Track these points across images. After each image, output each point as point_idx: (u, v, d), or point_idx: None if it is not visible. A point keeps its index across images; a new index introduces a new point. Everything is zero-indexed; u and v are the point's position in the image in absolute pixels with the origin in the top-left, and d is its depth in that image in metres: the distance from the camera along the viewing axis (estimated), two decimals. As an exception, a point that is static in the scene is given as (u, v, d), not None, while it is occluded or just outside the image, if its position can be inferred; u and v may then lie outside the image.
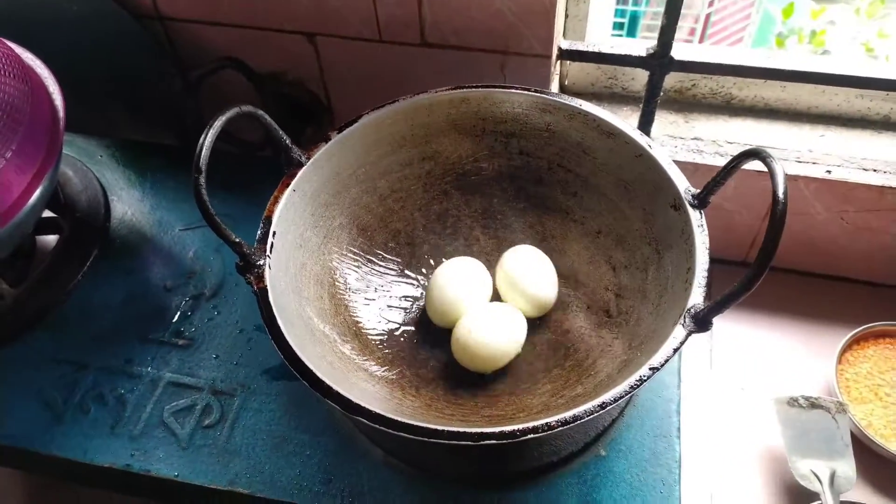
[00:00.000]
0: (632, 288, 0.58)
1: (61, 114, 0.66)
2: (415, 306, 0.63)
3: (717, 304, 0.46)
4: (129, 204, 0.77)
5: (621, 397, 0.44)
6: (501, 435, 0.43)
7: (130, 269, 0.71)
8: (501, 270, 0.62)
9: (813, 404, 0.68)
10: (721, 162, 0.77)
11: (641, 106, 0.76)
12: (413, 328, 0.62)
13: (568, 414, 0.44)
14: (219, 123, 0.51)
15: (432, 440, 0.44)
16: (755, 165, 0.48)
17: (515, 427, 0.43)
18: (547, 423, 0.43)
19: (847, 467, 0.66)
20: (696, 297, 0.49)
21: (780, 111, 0.82)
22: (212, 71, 0.76)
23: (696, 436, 0.67)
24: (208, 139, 0.50)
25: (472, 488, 0.55)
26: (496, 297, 0.62)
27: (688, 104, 0.84)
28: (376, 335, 0.60)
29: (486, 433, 0.43)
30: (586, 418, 0.44)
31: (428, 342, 0.61)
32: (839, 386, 0.73)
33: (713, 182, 0.53)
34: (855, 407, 0.72)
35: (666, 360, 0.46)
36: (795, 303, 0.83)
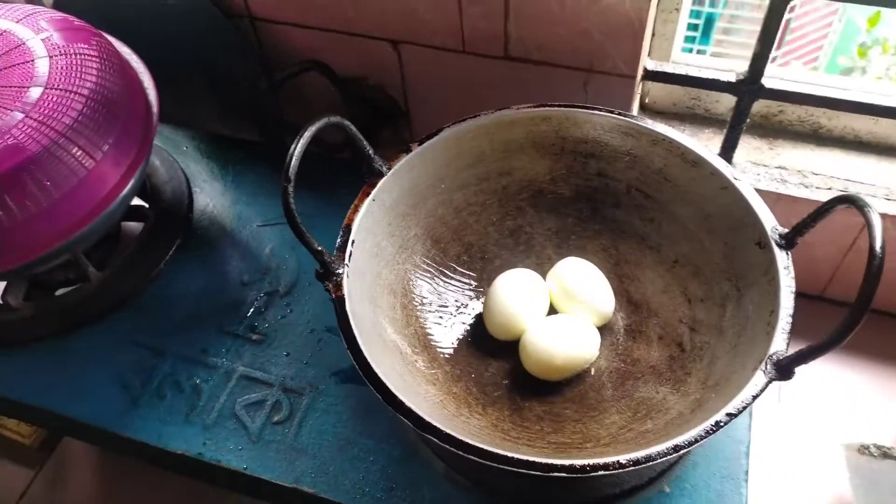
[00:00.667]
0: (708, 323, 0.57)
1: (155, 109, 0.68)
2: (477, 320, 0.64)
3: (803, 354, 0.45)
4: (211, 196, 0.79)
5: (696, 442, 0.44)
6: (571, 469, 0.43)
7: (210, 261, 0.74)
8: (556, 279, 0.62)
9: (885, 454, 0.66)
10: (805, 194, 0.75)
11: (725, 131, 0.75)
12: (477, 344, 0.62)
13: (641, 454, 0.43)
14: (308, 133, 0.52)
15: (500, 466, 0.44)
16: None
17: (586, 462, 0.43)
18: (618, 461, 0.43)
19: None
20: (780, 344, 0.47)
21: (870, 144, 0.79)
22: (297, 73, 0.78)
23: (762, 477, 0.66)
24: (298, 148, 0.51)
25: (532, 510, 0.55)
26: (551, 311, 0.63)
27: (773, 130, 0.82)
28: (444, 349, 0.61)
29: (556, 465, 0.43)
30: (658, 460, 0.43)
31: (491, 359, 0.61)
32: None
33: (803, 223, 0.51)
34: (929, 458, 0.69)
35: (744, 408, 0.45)
36: (874, 344, 0.80)
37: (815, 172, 0.77)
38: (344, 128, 0.57)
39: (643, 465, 0.43)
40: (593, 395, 0.58)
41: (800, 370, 0.45)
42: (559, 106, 0.63)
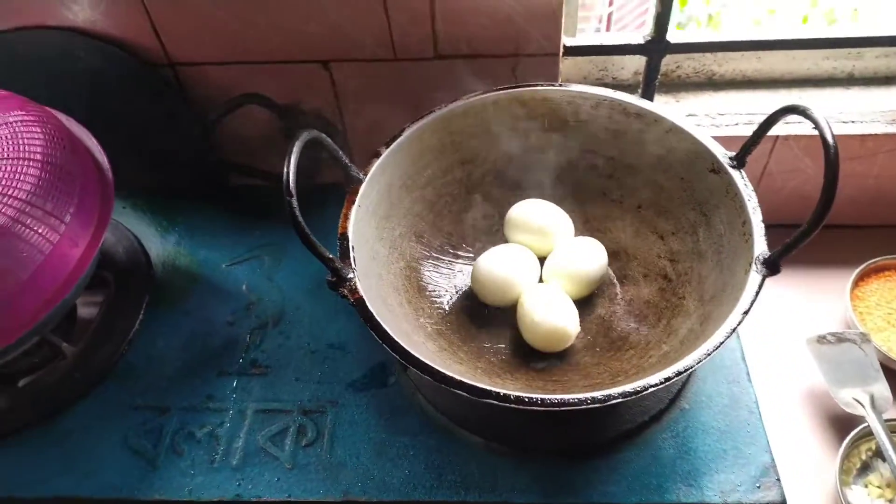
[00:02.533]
0: (684, 251, 0.63)
1: (107, 167, 0.67)
2: (478, 300, 0.67)
3: (788, 246, 0.51)
4: (167, 249, 0.78)
5: (722, 342, 0.49)
6: (625, 394, 0.47)
7: (187, 310, 0.72)
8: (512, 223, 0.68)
9: (840, 339, 0.75)
10: (717, 132, 0.84)
11: (640, 90, 0.82)
12: (482, 319, 0.65)
13: (681, 364, 0.48)
14: (297, 148, 0.53)
15: (559, 409, 0.47)
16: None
17: (635, 385, 0.47)
18: (674, 372, 0.47)
19: (883, 389, 0.72)
20: (762, 246, 0.54)
21: (758, 81, 0.90)
22: (233, 109, 0.78)
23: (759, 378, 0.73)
24: (292, 165, 0.52)
25: (577, 460, 0.58)
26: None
27: (675, 85, 0.91)
28: (456, 332, 0.63)
29: (612, 394, 0.47)
30: (696, 365, 0.48)
31: (501, 330, 0.64)
32: (857, 319, 0.80)
33: (749, 141, 0.59)
34: (875, 336, 0.79)
35: (751, 304, 0.51)
36: (798, 254, 0.90)
37: (721, 113, 0.87)
38: (321, 140, 0.58)
39: (685, 373, 0.47)
40: (602, 339, 0.62)
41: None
42: (505, 88, 0.68)
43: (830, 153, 0.48)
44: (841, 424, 0.73)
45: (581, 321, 0.62)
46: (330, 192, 0.65)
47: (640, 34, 0.78)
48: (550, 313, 0.59)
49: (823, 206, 0.48)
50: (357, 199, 0.61)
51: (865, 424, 0.71)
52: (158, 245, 0.78)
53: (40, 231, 0.58)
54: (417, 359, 0.50)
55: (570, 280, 0.64)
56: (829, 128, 0.49)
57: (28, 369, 0.69)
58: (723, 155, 0.60)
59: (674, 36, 0.77)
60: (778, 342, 0.82)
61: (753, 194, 0.57)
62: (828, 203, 0.48)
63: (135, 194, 0.84)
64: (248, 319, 0.71)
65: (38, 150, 0.59)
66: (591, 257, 0.64)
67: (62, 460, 0.62)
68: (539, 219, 0.66)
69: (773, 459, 0.57)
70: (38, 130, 0.61)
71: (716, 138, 0.63)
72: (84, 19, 0.75)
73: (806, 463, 0.71)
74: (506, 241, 0.69)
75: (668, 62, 0.89)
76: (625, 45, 0.77)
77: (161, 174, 0.86)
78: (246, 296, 0.73)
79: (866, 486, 0.70)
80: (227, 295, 0.73)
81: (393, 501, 0.58)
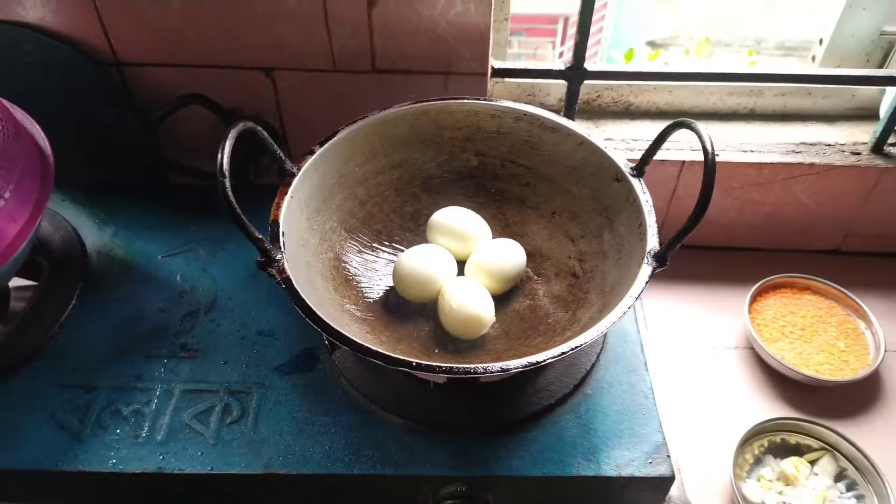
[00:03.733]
0: (591, 252, 0.69)
1: (49, 152, 0.69)
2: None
3: (671, 241, 0.58)
4: (104, 240, 0.80)
5: (619, 319, 0.54)
6: (524, 365, 0.52)
7: (119, 298, 0.74)
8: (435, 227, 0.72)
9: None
10: (630, 155, 0.92)
11: (563, 113, 0.89)
12: (403, 308, 0.69)
13: (576, 341, 0.53)
14: (232, 135, 0.57)
15: (471, 376, 0.52)
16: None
17: (543, 356, 0.52)
18: (569, 347, 0.52)
19: None
20: (653, 243, 0.60)
21: (669, 112, 0.99)
22: (176, 108, 0.81)
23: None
24: (227, 148, 0.56)
25: (488, 436, 0.63)
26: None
27: (595, 112, 0.99)
28: (379, 318, 0.67)
29: (512, 365, 0.52)
30: (590, 340, 0.54)
31: (420, 319, 0.68)
32: (754, 331, 0.87)
33: (647, 152, 0.66)
34: (769, 346, 0.86)
35: (641, 290, 0.57)
36: (703, 273, 0.98)
37: (634, 139, 0.95)
38: (256, 132, 0.62)
39: (580, 346, 0.53)
40: (515, 329, 0.67)
41: (656, 304, 0.58)
42: (434, 100, 0.74)
43: (708, 159, 0.55)
44: (734, 424, 0.79)
45: (498, 314, 0.67)
46: (264, 193, 0.69)
47: (560, 61, 0.85)
48: (468, 302, 0.64)
49: (702, 202, 0.55)
50: (289, 191, 0.65)
51: (757, 423, 0.78)
52: (95, 236, 0.80)
53: (-23, 207, 0.59)
54: (337, 331, 0.54)
55: (489, 276, 0.69)
56: (710, 138, 0.56)
57: (-46, 348, 0.70)
58: (625, 165, 0.67)
59: (591, 64, 0.85)
60: (683, 350, 0.89)
61: (650, 198, 0.64)
62: (706, 199, 0.55)
63: (75, 188, 0.85)
64: (179, 307, 0.73)
65: (-19, 130, 0.62)
66: (509, 256, 0.70)
67: (-17, 433, 0.63)
68: (459, 223, 0.71)
69: (664, 438, 0.62)
70: (-18, 112, 0.63)
71: (630, 160, 0.70)
72: (35, 16, 0.78)
73: (703, 460, 0.77)
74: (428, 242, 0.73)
75: (590, 91, 0.97)
76: (547, 70, 0.85)
77: (103, 170, 0.88)
78: (180, 285, 0.75)
79: (759, 480, 0.77)
80: (160, 284, 0.75)
81: (312, 474, 0.60)
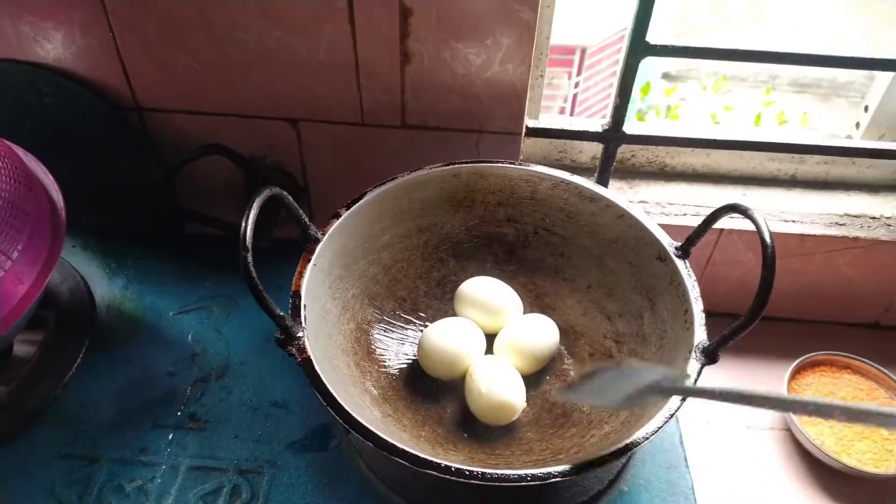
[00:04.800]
0: (630, 333, 0.65)
1: (61, 206, 0.66)
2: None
3: (725, 337, 0.53)
4: (114, 292, 0.76)
5: (665, 422, 0.50)
6: (563, 473, 0.48)
7: (128, 357, 0.70)
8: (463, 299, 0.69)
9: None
10: (667, 220, 0.88)
11: (596, 175, 0.86)
12: (427, 388, 0.65)
13: (628, 440, 0.49)
14: (257, 204, 0.54)
15: (499, 484, 0.47)
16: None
17: (578, 463, 0.48)
18: (616, 450, 0.48)
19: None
20: (701, 335, 0.56)
21: (706, 175, 0.95)
22: (197, 157, 0.78)
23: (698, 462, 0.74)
24: (251, 220, 0.52)
25: (513, 535, 0.58)
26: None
27: (629, 172, 0.95)
28: (401, 398, 0.63)
29: (552, 472, 0.48)
30: (643, 443, 0.49)
31: (445, 400, 0.64)
32: (792, 413, 0.82)
33: (695, 233, 0.62)
34: (808, 429, 0.81)
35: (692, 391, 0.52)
36: (738, 343, 0.93)
37: (670, 202, 0.91)
38: (282, 198, 0.59)
39: (633, 450, 0.48)
40: (546, 416, 0.63)
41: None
42: (466, 162, 0.70)
43: (767, 252, 0.51)
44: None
45: (527, 396, 0.62)
46: (284, 247, 0.65)
47: (598, 122, 0.82)
48: (498, 386, 0.60)
49: (760, 301, 0.51)
50: (313, 258, 0.61)
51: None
52: (105, 287, 0.77)
53: (-15, 266, 0.56)
54: (362, 425, 0.50)
55: (521, 355, 0.64)
56: (768, 228, 0.52)
57: (-49, 407, 0.66)
58: (669, 244, 0.63)
59: (630, 127, 0.81)
60: (714, 429, 0.84)
61: (696, 284, 0.60)
62: (764, 298, 0.51)
63: (87, 234, 0.82)
64: (190, 371, 0.69)
65: (-8, 184, 0.59)
66: (542, 334, 0.66)
67: (-24, 508, 0.59)
68: (489, 296, 0.68)
69: (705, 548, 0.58)
70: (-6, 165, 0.60)
71: (664, 226, 0.66)
72: (55, 57, 0.75)
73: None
74: (455, 313, 0.70)
75: (624, 151, 0.94)
76: (584, 132, 0.81)
77: (116, 216, 0.85)
78: (191, 346, 0.71)
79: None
80: (170, 344, 0.71)
81: (324, 571, 0.56)
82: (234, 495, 0.60)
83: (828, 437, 0.81)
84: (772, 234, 0.52)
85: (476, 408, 0.61)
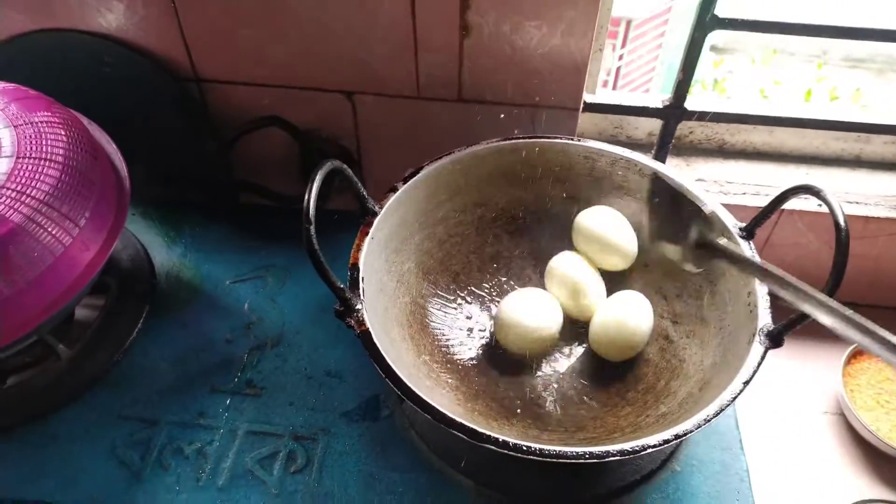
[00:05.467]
0: (688, 314, 0.64)
1: (125, 175, 0.67)
2: (479, 342, 0.67)
3: (792, 321, 0.52)
4: (172, 260, 0.78)
5: (723, 409, 0.49)
6: (622, 452, 0.47)
7: (186, 323, 0.72)
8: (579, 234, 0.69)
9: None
10: (725, 199, 0.86)
11: (654, 151, 0.84)
12: (484, 362, 0.65)
13: (679, 429, 0.48)
14: (319, 177, 0.54)
15: (557, 460, 0.47)
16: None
17: (633, 445, 0.48)
18: (664, 440, 0.47)
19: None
20: (766, 318, 0.55)
21: (767, 154, 0.92)
22: (254, 128, 0.79)
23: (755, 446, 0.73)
24: (314, 192, 0.52)
25: (565, 510, 0.58)
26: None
27: (686, 149, 0.93)
28: (454, 372, 0.63)
29: (611, 451, 0.47)
30: (695, 430, 0.48)
31: (500, 375, 0.64)
32: (847, 396, 0.80)
33: (761, 214, 0.60)
34: (863, 414, 0.79)
35: (753, 375, 0.51)
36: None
37: (729, 181, 0.88)
38: (342, 171, 0.59)
39: (682, 438, 0.48)
40: (599, 394, 0.62)
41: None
42: (525, 138, 0.69)
43: (842, 236, 0.50)
44: (828, 501, 0.73)
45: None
46: (338, 219, 0.65)
47: (658, 98, 0.80)
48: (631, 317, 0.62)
49: (832, 286, 0.49)
50: (371, 231, 0.61)
51: (854, 502, 0.71)
52: (164, 255, 0.78)
53: (54, 232, 0.58)
54: (419, 397, 0.50)
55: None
56: (843, 212, 0.50)
57: (19, 367, 0.69)
58: (733, 225, 0.62)
59: (692, 103, 0.79)
60: (768, 411, 0.82)
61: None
62: (836, 283, 0.49)
63: (146, 203, 0.84)
64: (246, 339, 0.70)
65: (61, 151, 0.60)
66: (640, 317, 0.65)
67: (47, 464, 0.61)
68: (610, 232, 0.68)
69: (760, 531, 0.57)
70: (63, 133, 0.61)
71: (723, 205, 0.64)
72: (117, 27, 0.76)
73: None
74: (572, 247, 0.70)
75: (682, 127, 0.91)
76: (643, 108, 0.79)
77: (175, 186, 0.86)
78: (247, 315, 0.72)
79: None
80: (227, 312, 0.73)
81: (376, 538, 0.57)
82: (290, 460, 0.61)
83: (883, 423, 0.79)
84: (846, 219, 0.50)
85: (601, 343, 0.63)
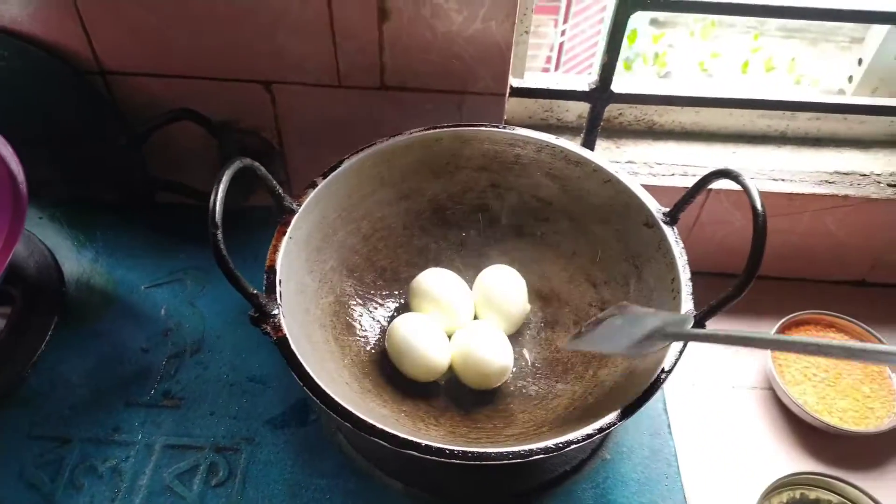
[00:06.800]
0: (615, 301, 0.63)
1: (21, 179, 0.62)
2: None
3: (712, 308, 0.52)
4: (83, 266, 0.73)
5: (646, 399, 0.49)
6: (546, 450, 0.46)
7: (98, 333, 0.68)
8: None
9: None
10: (654, 181, 0.86)
11: (583, 135, 0.83)
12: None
13: (604, 421, 0.48)
14: (226, 177, 0.51)
15: (488, 462, 0.46)
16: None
17: (565, 438, 0.47)
18: (595, 430, 0.47)
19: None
20: (688, 304, 0.54)
21: (695, 133, 0.92)
22: (164, 123, 0.75)
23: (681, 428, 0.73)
24: (220, 194, 0.50)
25: (496, 507, 0.57)
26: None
27: (616, 131, 0.92)
28: (383, 373, 0.61)
29: (534, 449, 0.46)
30: (618, 424, 0.48)
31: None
32: (776, 371, 0.82)
33: (683, 200, 0.59)
34: (790, 388, 0.81)
35: (675, 363, 0.51)
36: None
37: (658, 162, 0.88)
38: (254, 169, 0.56)
39: (609, 429, 0.47)
40: (531, 385, 0.62)
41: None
42: (448, 126, 0.67)
43: (759, 220, 0.49)
44: (752, 475, 0.74)
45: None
46: (260, 216, 0.63)
47: (585, 80, 0.79)
48: (488, 349, 0.59)
49: (749, 273, 0.49)
50: (288, 231, 0.59)
51: (776, 478, 0.73)
52: (73, 261, 0.74)
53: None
54: (339, 404, 0.48)
55: (500, 313, 0.64)
56: (758, 195, 0.50)
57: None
58: (657, 210, 0.61)
59: (619, 85, 0.78)
60: (698, 387, 0.83)
61: (684, 252, 0.58)
62: (753, 270, 0.49)
63: (53, 205, 0.79)
64: (164, 347, 0.67)
65: (-57, 156, 0.55)
66: (514, 289, 0.65)
67: (-56, 494, 0.57)
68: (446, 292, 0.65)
69: (689, 515, 0.57)
70: (-55, 135, 0.57)
71: (651, 187, 0.64)
72: (10, 18, 0.71)
73: (722, 514, 0.72)
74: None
75: (612, 109, 0.90)
76: (570, 91, 0.78)
77: (84, 186, 0.82)
78: (164, 321, 0.69)
79: (781, 538, 0.72)
80: (143, 319, 0.69)
81: (305, 549, 0.55)
82: (211, 473, 0.59)
83: (810, 396, 0.81)
84: (763, 202, 0.50)
85: (464, 372, 0.59)
